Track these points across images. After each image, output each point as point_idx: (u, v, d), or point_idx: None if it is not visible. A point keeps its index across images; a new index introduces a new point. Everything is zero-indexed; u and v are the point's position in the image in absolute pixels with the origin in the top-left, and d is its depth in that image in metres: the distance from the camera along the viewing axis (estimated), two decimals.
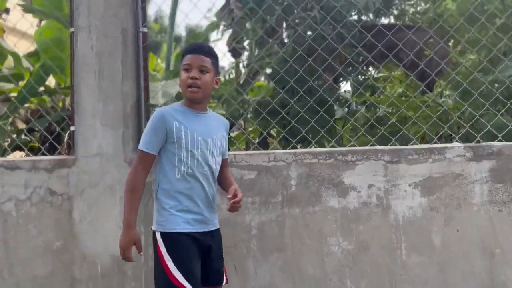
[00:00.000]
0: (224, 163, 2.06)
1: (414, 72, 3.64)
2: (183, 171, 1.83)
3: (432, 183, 2.34)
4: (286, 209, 2.37)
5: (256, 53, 4.57)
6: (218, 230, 1.98)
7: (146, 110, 2.54)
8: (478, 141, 2.48)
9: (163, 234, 1.83)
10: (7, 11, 6.05)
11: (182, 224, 1.82)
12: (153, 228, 1.89)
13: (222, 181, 2.04)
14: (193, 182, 1.85)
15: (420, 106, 5.58)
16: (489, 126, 2.67)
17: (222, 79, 1.99)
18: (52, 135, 4.93)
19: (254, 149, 2.68)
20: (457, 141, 2.57)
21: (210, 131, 1.91)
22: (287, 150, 2.41)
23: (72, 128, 2.53)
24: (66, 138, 4.50)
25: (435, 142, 2.73)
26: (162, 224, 1.85)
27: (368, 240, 2.34)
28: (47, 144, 4.62)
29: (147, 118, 2.56)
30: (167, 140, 1.83)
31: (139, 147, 1.87)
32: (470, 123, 2.80)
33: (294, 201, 2.37)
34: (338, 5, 3.59)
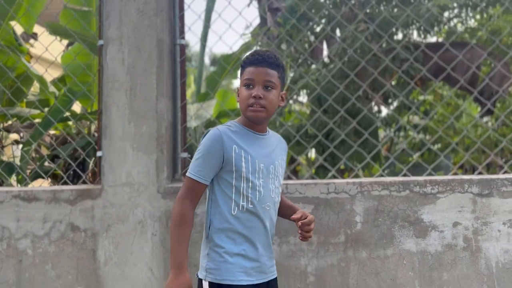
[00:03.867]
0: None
1: (471, 93, 3.25)
2: (241, 206, 1.51)
3: None
4: (351, 252, 1.95)
5: (292, 73, 4.26)
6: (275, 279, 1.64)
7: (183, 133, 2.21)
8: None
9: (213, 285, 1.50)
10: (34, 36, 5.91)
11: (238, 275, 1.49)
12: (200, 275, 1.55)
13: (282, 210, 1.71)
14: (253, 220, 1.52)
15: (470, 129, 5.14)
16: None
17: None
18: (77, 162, 4.67)
19: (306, 178, 2.28)
20: None
21: (271, 157, 1.59)
22: (351, 180, 2.01)
23: (98, 154, 2.20)
24: (91, 165, 4.22)
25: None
26: (212, 272, 1.51)
27: None
28: (70, 172, 4.34)
29: (184, 142, 2.22)
30: (223, 167, 1.52)
31: (187, 174, 1.56)
32: None
33: (360, 242, 1.95)
34: (393, 21, 3.25)
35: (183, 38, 2.25)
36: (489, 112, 4.32)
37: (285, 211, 1.71)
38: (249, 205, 1.51)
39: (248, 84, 1.53)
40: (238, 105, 1.69)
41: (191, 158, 2.36)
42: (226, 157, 1.50)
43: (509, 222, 1.90)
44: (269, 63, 1.53)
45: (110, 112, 2.16)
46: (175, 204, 1.55)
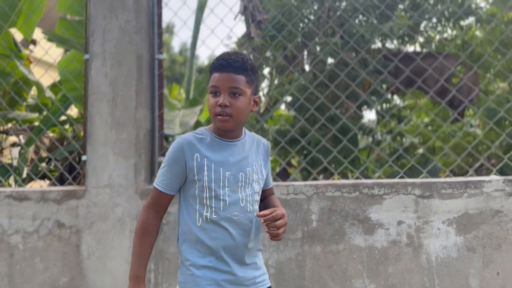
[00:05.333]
0: (268, 193, 1.65)
1: (443, 100, 3.46)
2: (205, 216, 1.43)
3: (468, 220, 2.12)
4: (307, 247, 2.18)
5: (276, 81, 4.48)
6: None
7: (159, 139, 2.44)
8: None
9: None
10: (34, 42, 6.17)
11: None
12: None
13: (264, 208, 1.58)
14: (218, 231, 1.43)
15: (449, 135, 5.33)
16: None
17: None
18: (70, 165, 4.90)
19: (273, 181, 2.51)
20: (495, 174, 2.35)
21: (243, 163, 1.48)
22: (308, 182, 2.24)
23: (83, 158, 2.43)
24: (81, 168, 4.45)
25: (470, 175, 2.51)
26: (182, 286, 1.46)
27: (398, 283, 2.12)
28: (66, 174, 4.57)
29: (161, 148, 2.45)
30: (188, 177, 1.45)
31: (154, 183, 1.50)
32: (510, 154, 2.56)
33: (315, 238, 2.18)
34: (360, 31, 3.48)
35: (161, 53, 2.48)
36: (458, 119, 4.54)
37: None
38: (213, 216, 1.42)
39: (214, 91, 1.42)
40: None
41: None
42: (188, 166, 1.43)
43: (448, 221, 2.13)
44: (234, 67, 1.40)
45: (94, 120, 2.39)
46: (140, 214, 1.50)
